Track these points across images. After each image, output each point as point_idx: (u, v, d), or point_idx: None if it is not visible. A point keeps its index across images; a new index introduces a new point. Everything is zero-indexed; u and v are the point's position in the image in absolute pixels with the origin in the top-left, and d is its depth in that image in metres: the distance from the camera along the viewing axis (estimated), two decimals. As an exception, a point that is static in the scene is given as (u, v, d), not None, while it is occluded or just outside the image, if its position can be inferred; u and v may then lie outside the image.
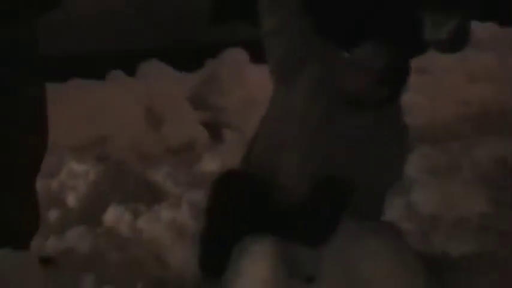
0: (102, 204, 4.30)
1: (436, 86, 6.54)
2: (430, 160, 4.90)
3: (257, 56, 5.91)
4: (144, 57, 6.35)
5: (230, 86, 6.26)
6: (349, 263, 3.10)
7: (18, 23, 3.31)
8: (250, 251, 3.15)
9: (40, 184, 3.77)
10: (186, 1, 7.57)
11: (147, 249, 3.88)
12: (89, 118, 5.56)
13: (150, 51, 6.53)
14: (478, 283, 3.19)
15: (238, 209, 3.29)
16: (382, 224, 3.36)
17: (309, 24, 3.38)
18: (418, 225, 3.96)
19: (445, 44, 3.50)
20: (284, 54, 3.38)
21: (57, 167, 4.63)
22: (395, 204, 3.99)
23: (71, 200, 4.46)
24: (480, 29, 6.47)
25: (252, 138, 3.47)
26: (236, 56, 6.45)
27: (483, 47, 6.81)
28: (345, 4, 3.48)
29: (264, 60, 3.48)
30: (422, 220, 4.04)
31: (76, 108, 5.52)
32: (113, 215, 4.18)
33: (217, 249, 3.26)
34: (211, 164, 5.03)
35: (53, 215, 4.24)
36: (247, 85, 6.18)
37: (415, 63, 3.42)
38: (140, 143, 5.67)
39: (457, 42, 3.52)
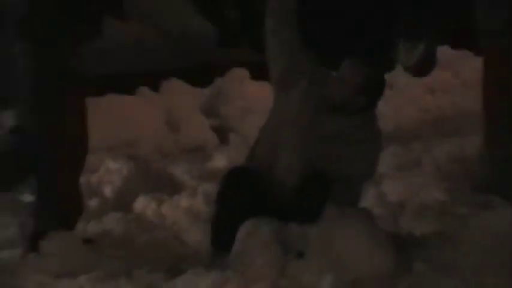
0: (133, 194, 4.28)
1: (401, 97, 6.56)
2: (398, 158, 4.88)
3: (256, 74, 5.97)
4: (165, 76, 6.35)
5: (235, 98, 6.25)
6: (330, 241, 3.09)
7: (68, 49, 3.32)
8: (253, 232, 3.15)
9: (83, 179, 3.79)
10: (199, 31, 7.61)
11: (170, 232, 3.87)
12: (121, 125, 5.56)
13: (170, 71, 6.55)
14: (437, 257, 3.18)
15: (242, 198, 3.29)
16: (358, 210, 3.36)
17: (303, 44, 3.38)
18: (388, 210, 3.94)
19: (416, 68, 3.51)
20: (284, 68, 3.38)
21: (96, 165, 4.61)
22: (369, 193, 3.98)
23: (108, 191, 4.44)
24: (437, 51, 6.45)
25: (254, 142, 3.48)
26: (239, 74, 6.45)
27: (439, 65, 6.78)
28: (332, 30, 3.47)
29: (261, 78, 3.46)
30: (391, 206, 4.02)
31: (111, 118, 5.52)
32: (141, 204, 4.17)
33: (226, 230, 3.25)
34: (220, 162, 5.01)
35: (93, 203, 4.23)
36: (248, 98, 6.18)
37: (384, 79, 3.42)
38: (162, 144, 5.68)
39: (426, 66, 3.53)
